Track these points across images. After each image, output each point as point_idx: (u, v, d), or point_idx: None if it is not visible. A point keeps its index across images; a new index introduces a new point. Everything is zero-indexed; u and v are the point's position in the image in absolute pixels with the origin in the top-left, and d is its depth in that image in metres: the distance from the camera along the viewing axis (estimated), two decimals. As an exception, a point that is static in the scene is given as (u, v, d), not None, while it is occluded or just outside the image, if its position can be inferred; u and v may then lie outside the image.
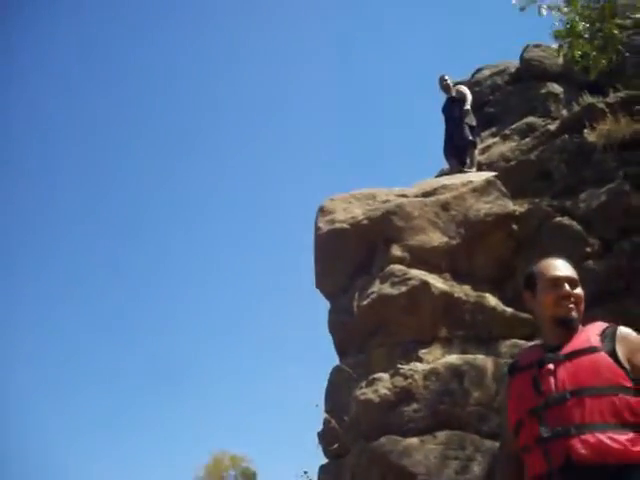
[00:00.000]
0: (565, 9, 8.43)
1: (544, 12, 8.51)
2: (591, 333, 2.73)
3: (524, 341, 6.75)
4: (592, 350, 2.65)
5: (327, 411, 7.13)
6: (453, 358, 6.67)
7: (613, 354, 2.63)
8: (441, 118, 10.62)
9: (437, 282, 7.08)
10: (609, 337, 2.69)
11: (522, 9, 8.58)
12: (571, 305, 2.79)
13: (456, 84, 10.98)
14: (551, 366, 2.67)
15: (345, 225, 7.70)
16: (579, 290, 2.83)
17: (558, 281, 2.81)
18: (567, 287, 2.80)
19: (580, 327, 2.79)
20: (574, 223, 7.34)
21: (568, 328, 2.76)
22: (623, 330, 2.74)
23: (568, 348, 2.69)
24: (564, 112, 10.06)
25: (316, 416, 7.20)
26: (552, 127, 9.07)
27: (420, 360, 6.72)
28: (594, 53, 8.52)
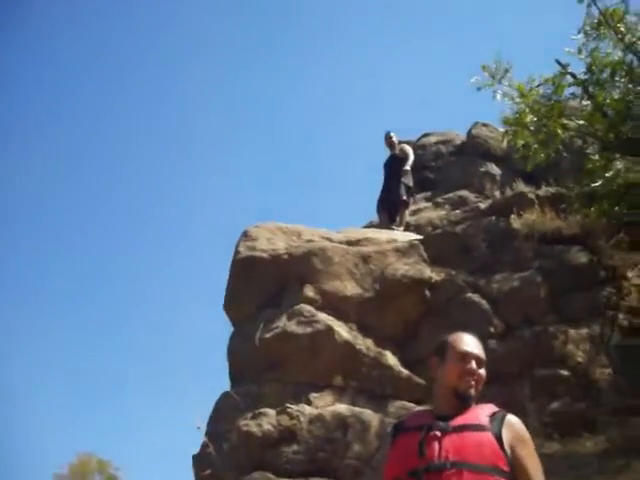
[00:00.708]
0: (518, 99, 8.76)
1: (498, 97, 8.84)
2: (481, 412, 2.81)
3: (413, 404, 6.88)
4: (479, 428, 2.73)
5: (207, 435, 7.04)
6: (342, 408, 6.72)
7: (498, 437, 2.71)
8: (381, 172, 10.81)
9: (342, 330, 7.15)
10: (498, 420, 2.77)
11: (479, 89, 8.90)
12: (472, 382, 2.87)
13: (401, 142, 11.22)
14: (438, 433, 2.72)
15: (265, 255, 7.72)
16: (483, 371, 2.92)
17: (466, 356, 2.89)
18: (473, 364, 2.88)
19: (473, 405, 2.86)
20: (484, 302, 7.57)
21: (464, 403, 2.83)
22: (512, 418, 2.82)
23: (458, 421, 2.76)
24: (497, 193, 10.42)
25: (196, 439, 7.10)
26: (482, 205, 9.37)
27: (309, 403, 6.76)
28: (536, 146, 8.87)
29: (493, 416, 2.80)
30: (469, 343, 2.95)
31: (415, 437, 2.77)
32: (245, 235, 8.03)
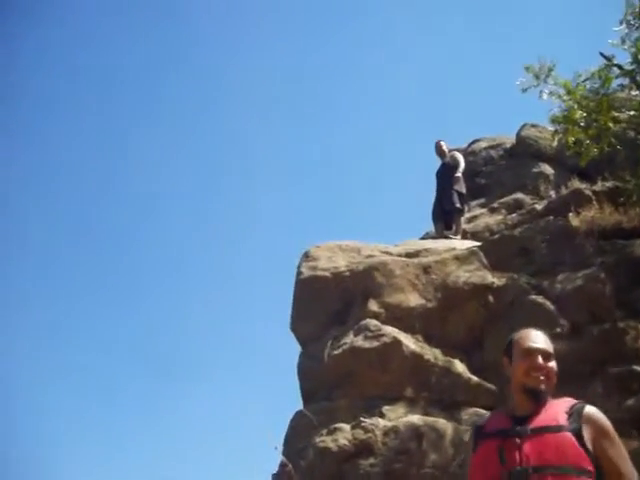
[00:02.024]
0: (565, 97, 8.75)
1: (545, 97, 8.85)
2: (559, 410, 2.79)
3: (485, 411, 6.88)
4: (558, 429, 2.71)
5: (285, 454, 7.18)
6: (415, 418, 6.78)
7: (579, 435, 2.69)
8: (433, 182, 10.87)
9: (409, 342, 7.23)
10: (576, 415, 2.75)
11: (524, 90, 8.93)
12: (541, 377, 2.85)
13: (451, 150, 11.28)
14: (517, 439, 2.72)
15: (327, 274, 7.87)
16: (552, 363, 2.91)
17: (531, 352, 2.90)
18: (540, 359, 2.88)
19: (549, 400, 2.85)
20: (547, 302, 7.53)
21: (536, 399, 2.82)
22: (590, 410, 2.80)
23: (535, 423, 2.75)
24: (552, 193, 10.37)
25: (274, 459, 7.25)
26: (539, 206, 9.34)
27: (382, 416, 6.84)
28: (587, 141, 8.83)
29: (571, 411, 2.77)
30: (533, 338, 2.97)
31: (494, 443, 2.78)
32: (306, 256, 8.21)
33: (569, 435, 2.70)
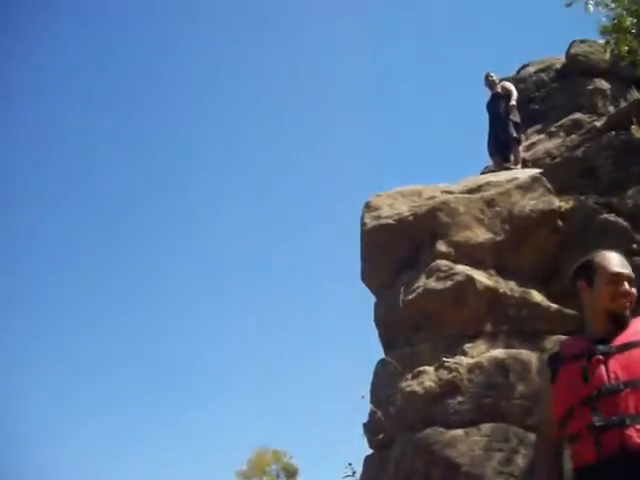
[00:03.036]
0: (612, 5, 8.43)
1: (591, 8, 8.55)
2: (639, 326, 2.77)
3: (568, 337, 6.80)
4: None
5: (373, 402, 7.27)
6: (498, 352, 6.75)
7: None
8: (485, 115, 10.63)
9: (482, 277, 7.17)
10: None
11: (569, 4, 8.64)
12: (627, 303, 2.83)
13: (501, 80, 10.99)
14: (601, 357, 2.69)
15: (391, 221, 7.83)
16: (635, 290, 2.87)
17: (619, 277, 2.84)
18: (627, 285, 2.84)
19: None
20: (620, 220, 7.34)
21: (620, 324, 2.79)
22: None
23: (619, 340, 2.73)
24: (611, 108, 10.02)
25: (362, 408, 7.34)
26: (598, 124, 9.05)
27: (465, 354, 6.83)
28: (641, 49, 8.51)
29: None
30: (619, 263, 2.90)
31: (578, 365, 2.74)
32: (368, 206, 8.17)
33: None
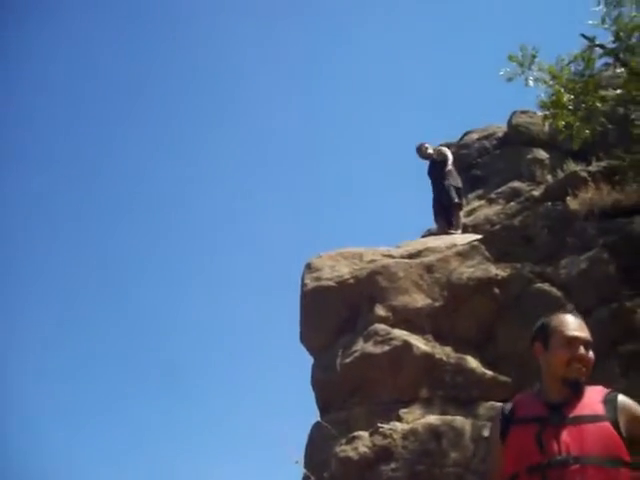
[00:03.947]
0: (551, 82, 8.75)
1: (531, 83, 8.85)
2: (594, 398, 2.76)
3: (502, 404, 6.88)
4: (597, 419, 2.68)
5: (306, 467, 7.18)
6: (432, 419, 6.78)
7: (615, 424, 2.67)
8: (427, 181, 10.86)
9: (419, 343, 7.24)
10: (611, 405, 2.73)
11: (510, 80, 8.93)
12: (583, 368, 2.81)
13: (443, 145, 11.26)
14: (556, 427, 2.68)
15: (331, 283, 7.89)
16: (592, 354, 2.86)
17: (575, 341, 2.83)
18: (582, 349, 2.83)
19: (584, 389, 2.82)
20: (554, 289, 7.52)
21: (574, 389, 2.77)
22: (623, 399, 2.78)
23: (573, 411, 2.72)
24: (549, 177, 10.37)
25: (295, 473, 7.25)
26: (536, 193, 9.32)
27: (400, 420, 6.84)
28: (578, 124, 8.83)
29: (605, 400, 2.75)
30: (575, 326, 2.88)
31: (531, 430, 2.72)
32: (309, 267, 8.23)
33: (607, 425, 2.67)
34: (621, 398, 2.78)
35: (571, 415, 2.70)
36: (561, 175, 9.49)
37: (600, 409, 2.71)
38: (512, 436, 2.80)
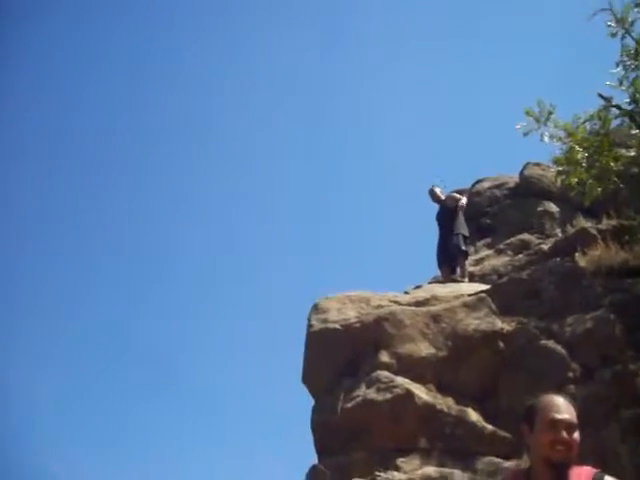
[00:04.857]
0: (566, 139, 8.86)
1: (546, 139, 8.96)
2: None
3: (501, 459, 6.88)
4: None
5: (302, 511, 7.17)
6: (430, 470, 6.77)
7: None
8: (435, 226, 10.90)
9: (421, 392, 7.24)
10: None
11: (526, 134, 9.04)
12: (566, 451, 2.79)
13: (455, 191, 11.33)
14: None
15: (337, 326, 7.92)
16: (576, 435, 2.83)
17: (557, 424, 2.81)
18: (564, 433, 2.81)
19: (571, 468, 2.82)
20: (559, 347, 7.53)
21: (559, 472, 2.77)
22: None
23: None
24: (558, 231, 10.43)
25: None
26: (545, 246, 9.40)
27: (398, 469, 6.82)
28: (590, 181, 8.91)
29: None
30: (558, 409, 2.86)
31: None
32: (316, 308, 8.26)
33: None
34: (607, 479, 2.80)
35: None
36: (571, 230, 9.56)
37: None
38: None
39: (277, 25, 38.31)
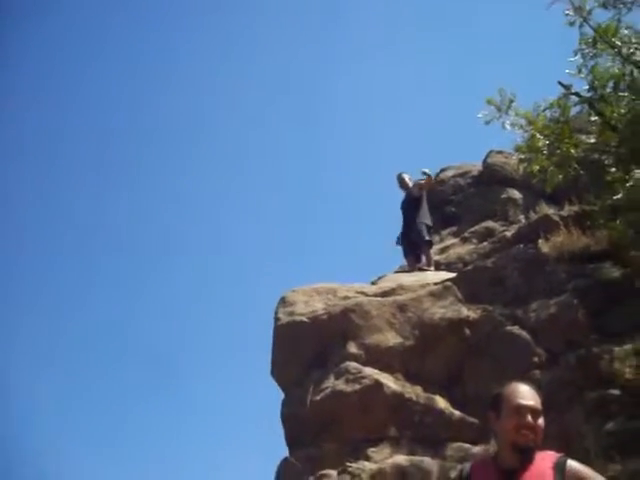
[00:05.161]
0: (527, 127, 8.93)
1: (507, 127, 9.02)
2: (545, 465, 2.85)
3: (470, 445, 6.97)
4: None
5: (273, 503, 7.20)
6: (401, 459, 6.83)
7: None
8: (399, 214, 10.90)
9: (390, 382, 7.30)
10: (560, 471, 2.83)
11: (487, 123, 9.10)
12: (531, 436, 2.89)
13: (417, 181, 11.34)
14: None
15: (304, 318, 7.94)
16: (541, 421, 2.93)
17: (522, 410, 2.91)
18: (529, 418, 2.90)
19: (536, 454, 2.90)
20: (523, 332, 7.64)
21: (524, 456, 2.86)
22: (571, 465, 2.87)
23: (524, 477, 2.82)
24: (522, 217, 10.54)
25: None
26: (509, 233, 9.49)
27: (369, 459, 6.88)
28: (551, 168, 9.01)
29: (555, 466, 2.84)
30: (523, 395, 2.96)
31: None
32: (283, 301, 8.27)
33: None
34: (569, 463, 2.88)
35: None
36: (534, 217, 9.66)
37: (550, 476, 2.81)
38: None
39: (270, 23, 38.04)
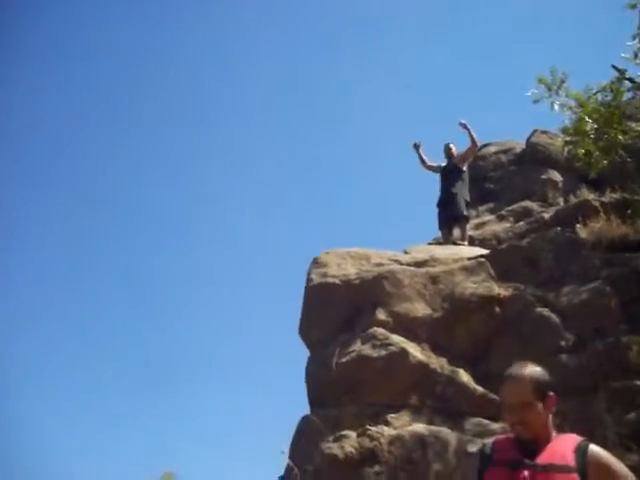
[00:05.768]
0: (576, 109, 8.81)
1: (556, 108, 8.91)
2: (566, 448, 2.88)
3: (489, 421, 7.02)
4: (566, 469, 2.81)
5: (291, 458, 7.33)
6: (420, 427, 6.91)
7: (584, 475, 2.80)
8: (438, 179, 10.81)
9: (415, 351, 7.35)
10: (581, 455, 2.85)
11: (536, 101, 8.99)
12: (519, 428, 2.92)
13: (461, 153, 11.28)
14: (526, 473, 2.82)
15: (337, 281, 7.99)
16: (525, 412, 2.90)
17: (505, 409, 2.99)
18: (511, 416, 2.95)
19: (555, 435, 2.95)
20: (553, 315, 7.63)
21: (528, 447, 2.91)
22: (594, 450, 2.89)
23: (544, 459, 2.85)
24: (560, 200, 10.45)
25: (280, 462, 7.40)
26: (546, 215, 9.42)
27: (388, 424, 6.97)
28: (597, 153, 8.90)
29: (577, 450, 2.87)
30: (503, 393, 3.00)
31: (503, 473, 2.89)
32: (316, 262, 8.32)
33: (575, 476, 2.80)
34: (592, 448, 2.90)
35: (542, 463, 2.84)
36: (573, 201, 9.58)
37: (571, 458, 2.84)
38: (487, 477, 2.97)
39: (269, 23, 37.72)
